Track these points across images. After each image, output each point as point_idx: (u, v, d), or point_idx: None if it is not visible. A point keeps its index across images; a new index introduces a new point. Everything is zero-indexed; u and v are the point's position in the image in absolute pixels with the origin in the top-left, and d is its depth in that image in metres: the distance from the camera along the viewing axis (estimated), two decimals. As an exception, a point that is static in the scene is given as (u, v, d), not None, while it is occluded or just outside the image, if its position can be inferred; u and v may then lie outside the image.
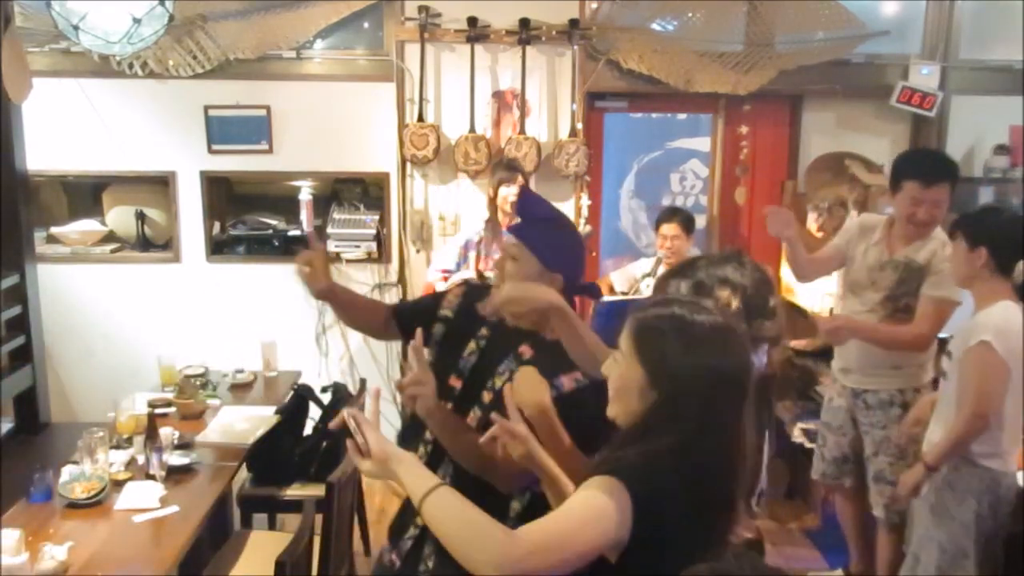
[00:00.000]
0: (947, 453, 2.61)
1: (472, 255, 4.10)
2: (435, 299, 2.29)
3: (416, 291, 4.56)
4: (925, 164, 3.14)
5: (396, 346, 4.66)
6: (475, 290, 2.25)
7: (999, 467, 2.60)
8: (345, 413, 1.52)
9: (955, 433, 2.58)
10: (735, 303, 1.66)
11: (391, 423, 4.71)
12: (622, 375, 1.42)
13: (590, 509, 1.32)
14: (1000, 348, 2.47)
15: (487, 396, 2.03)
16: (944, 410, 2.71)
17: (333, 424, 1.57)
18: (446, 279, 4.12)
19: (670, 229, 4.20)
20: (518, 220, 2.17)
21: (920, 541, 2.73)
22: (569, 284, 2.02)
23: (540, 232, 2.05)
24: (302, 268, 2.22)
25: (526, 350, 2.03)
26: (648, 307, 1.46)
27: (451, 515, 1.37)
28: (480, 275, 3.96)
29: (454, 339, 2.15)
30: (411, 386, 1.89)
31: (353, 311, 2.46)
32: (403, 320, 2.28)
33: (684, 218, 4.26)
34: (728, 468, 1.37)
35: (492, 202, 4.07)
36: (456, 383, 2.09)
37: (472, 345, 2.11)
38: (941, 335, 3.65)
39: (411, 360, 1.91)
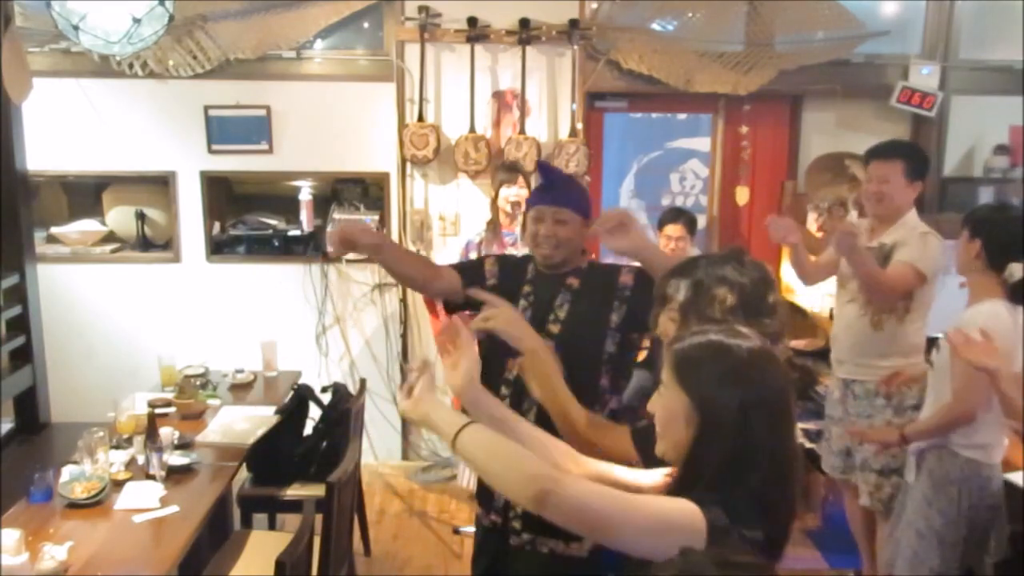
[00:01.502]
0: (924, 433, 2.70)
1: (473, 256, 4.10)
2: (477, 268, 2.54)
3: (418, 292, 4.55)
4: (878, 146, 3.31)
5: (396, 346, 4.67)
6: (505, 259, 2.63)
7: (981, 458, 2.63)
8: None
9: (937, 417, 2.66)
10: (733, 301, 1.68)
11: (392, 423, 4.72)
12: (666, 406, 1.42)
13: (672, 511, 1.33)
14: None
15: (554, 328, 2.37)
16: (932, 400, 2.77)
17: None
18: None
19: (675, 230, 4.22)
20: (544, 187, 2.45)
21: (902, 527, 2.79)
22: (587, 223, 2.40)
23: (572, 192, 2.43)
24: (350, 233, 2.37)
25: (573, 281, 2.41)
26: (686, 337, 1.46)
27: (485, 447, 1.44)
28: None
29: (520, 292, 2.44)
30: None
31: (403, 264, 2.56)
32: (464, 275, 2.50)
33: (688, 219, 4.28)
34: (783, 494, 1.36)
35: (494, 203, 4.07)
36: None
37: (523, 303, 2.41)
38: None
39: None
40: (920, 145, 4.05)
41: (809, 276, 3.53)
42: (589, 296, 2.40)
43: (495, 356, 2.36)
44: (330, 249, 2.31)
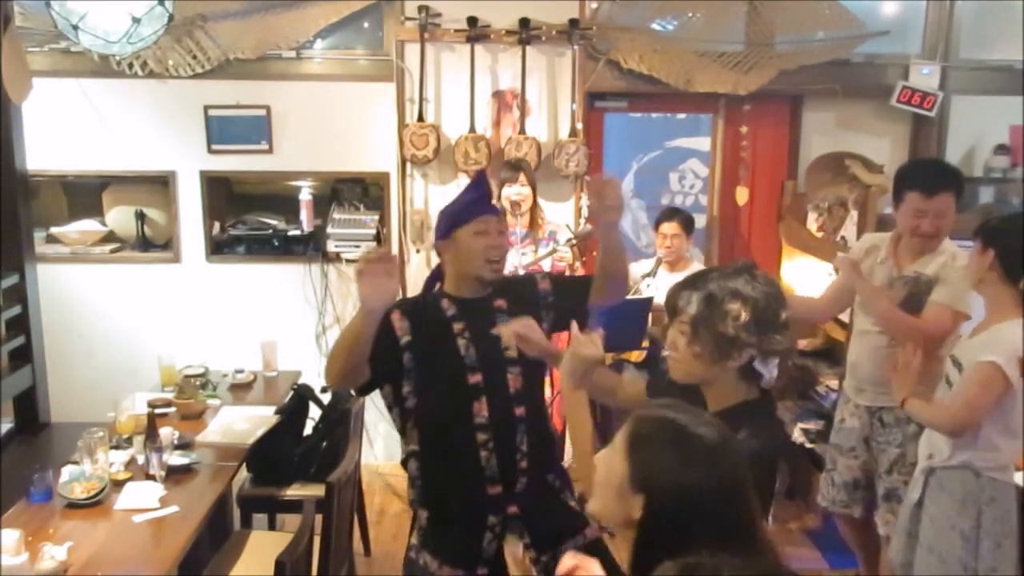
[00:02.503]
0: (921, 414, 2.63)
1: None
2: (386, 337, 2.18)
3: (418, 290, 4.55)
4: (927, 173, 3.02)
5: (396, 346, 4.66)
6: (408, 303, 2.36)
7: (1003, 478, 2.56)
8: None
9: (935, 418, 2.58)
10: (745, 316, 1.69)
11: (391, 423, 4.71)
12: (608, 467, 1.39)
13: None
14: (1011, 372, 2.43)
15: (512, 353, 2.20)
16: None
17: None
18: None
19: (670, 228, 4.26)
20: (485, 196, 2.36)
21: (921, 552, 2.67)
22: None
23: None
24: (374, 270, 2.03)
25: (501, 303, 2.28)
26: (652, 408, 1.44)
27: None
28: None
29: (438, 350, 2.23)
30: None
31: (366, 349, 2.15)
32: (377, 351, 2.14)
33: (684, 218, 4.30)
34: (744, 538, 1.31)
35: (496, 202, 4.07)
36: (477, 378, 2.23)
37: (462, 341, 2.23)
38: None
39: None
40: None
41: (816, 316, 3.42)
42: (521, 312, 2.22)
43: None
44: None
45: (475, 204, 2.31)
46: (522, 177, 4.01)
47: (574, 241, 4.08)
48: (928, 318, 2.90)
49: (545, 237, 4.11)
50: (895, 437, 3.07)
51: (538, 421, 2.32)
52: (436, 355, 2.23)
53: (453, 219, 2.31)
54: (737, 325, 1.68)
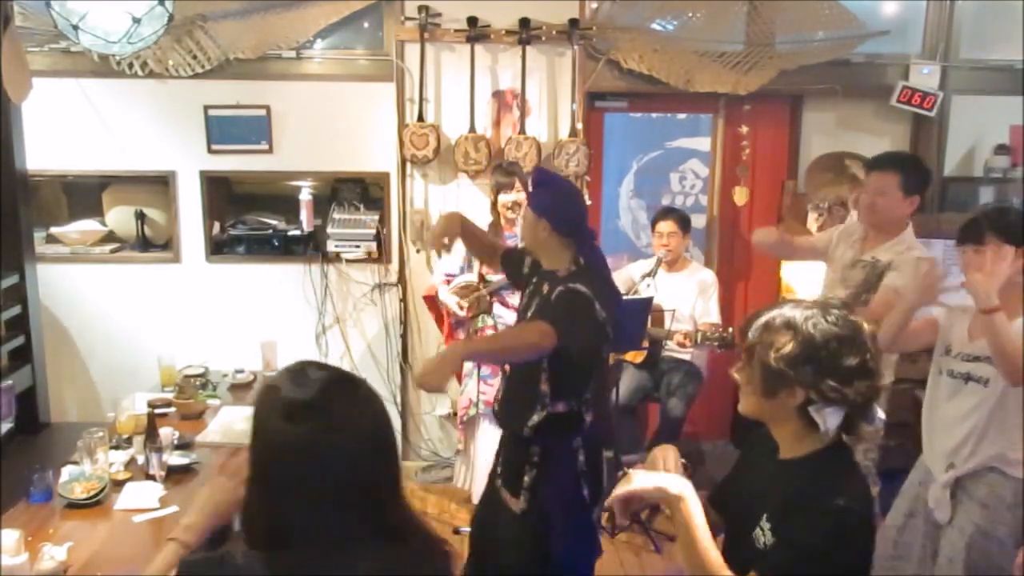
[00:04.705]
0: (995, 333, 2.40)
1: (477, 264, 4.10)
2: (518, 262, 2.91)
3: (418, 292, 4.55)
4: (878, 156, 3.40)
5: (396, 346, 4.67)
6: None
7: None
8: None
9: (1013, 346, 2.38)
10: (790, 350, 1.58)
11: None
12: None
13: None
14: None
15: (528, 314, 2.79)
16: (972, 414, 2.58)
17: None
18: (448, 282, 4.12)
19: (665, 226, 4.28)
20: (530, 192, 2.82)
21: (947, 564, 2.61)
22: (556, 228, 2.64)
23: (543, 198, 2.67)
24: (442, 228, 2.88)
25: (545, 286, 2.69)
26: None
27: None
28: (482, 278, 3.96)
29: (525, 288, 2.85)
30: None
31: (477, 246, 3.07)
32: (506, 266, 2.99)
33: (679, 216, 4.32)
34: None
35: (494, 207, 4.07)
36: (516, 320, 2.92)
37: (523, 293, 2.84)
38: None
39: None
40: (921, 158, 3.94)
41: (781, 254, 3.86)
42: (543, 299, 2.65)
43: None
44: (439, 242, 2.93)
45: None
46: (517, 183, 4.01)
47: None
48: (875, 301, 3.12)
49: None
50: None
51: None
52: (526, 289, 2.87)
53: None
54: (778, 357, 1.58)
